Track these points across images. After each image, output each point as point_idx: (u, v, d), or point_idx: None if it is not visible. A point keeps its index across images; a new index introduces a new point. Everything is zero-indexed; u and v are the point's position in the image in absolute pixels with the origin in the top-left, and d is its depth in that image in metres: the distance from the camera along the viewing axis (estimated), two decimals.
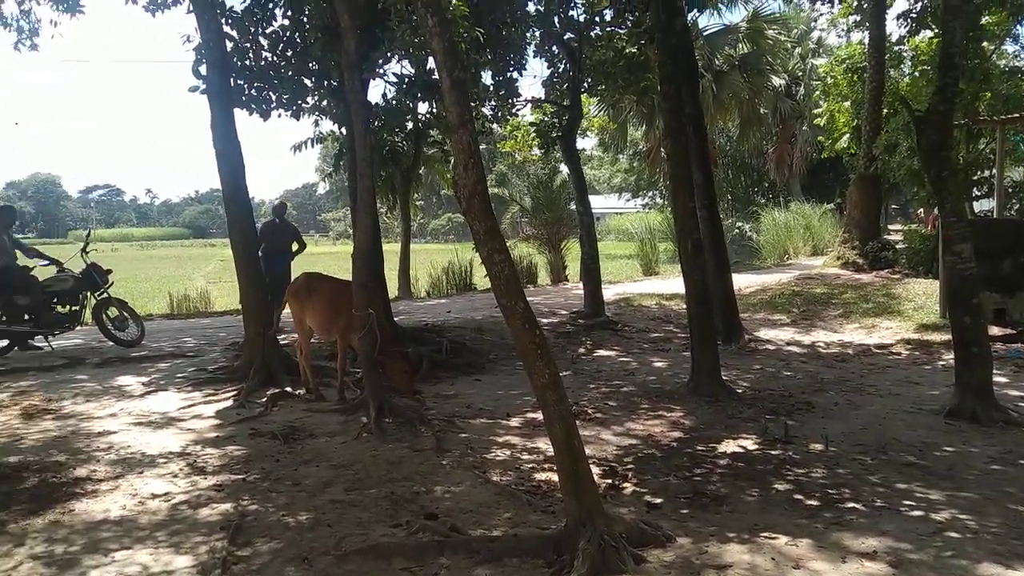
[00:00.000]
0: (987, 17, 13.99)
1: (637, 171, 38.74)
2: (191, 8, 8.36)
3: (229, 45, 8.77)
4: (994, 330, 9.64)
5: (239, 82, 8.98)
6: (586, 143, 39.78)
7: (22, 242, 10.79)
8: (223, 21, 8.64)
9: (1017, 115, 12.23)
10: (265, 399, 7.32)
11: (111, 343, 10.22)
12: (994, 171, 13.95)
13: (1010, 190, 15.86)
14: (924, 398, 7.38)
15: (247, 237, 8.53)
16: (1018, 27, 17.90)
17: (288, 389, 7.70)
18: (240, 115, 8.93)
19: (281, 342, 8.77)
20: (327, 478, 5.20)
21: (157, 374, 8.75)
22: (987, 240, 10.31)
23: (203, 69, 8.52)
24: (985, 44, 14.79)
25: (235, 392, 7.59)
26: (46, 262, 10.44)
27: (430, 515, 4.49)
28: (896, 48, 17.35)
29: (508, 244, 15.29)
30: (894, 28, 16.75)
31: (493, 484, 5.06)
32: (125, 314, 10.50)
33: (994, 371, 7.00)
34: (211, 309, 15.67)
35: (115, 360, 9.41)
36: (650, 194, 39.58)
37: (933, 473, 5.27)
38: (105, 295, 10.43)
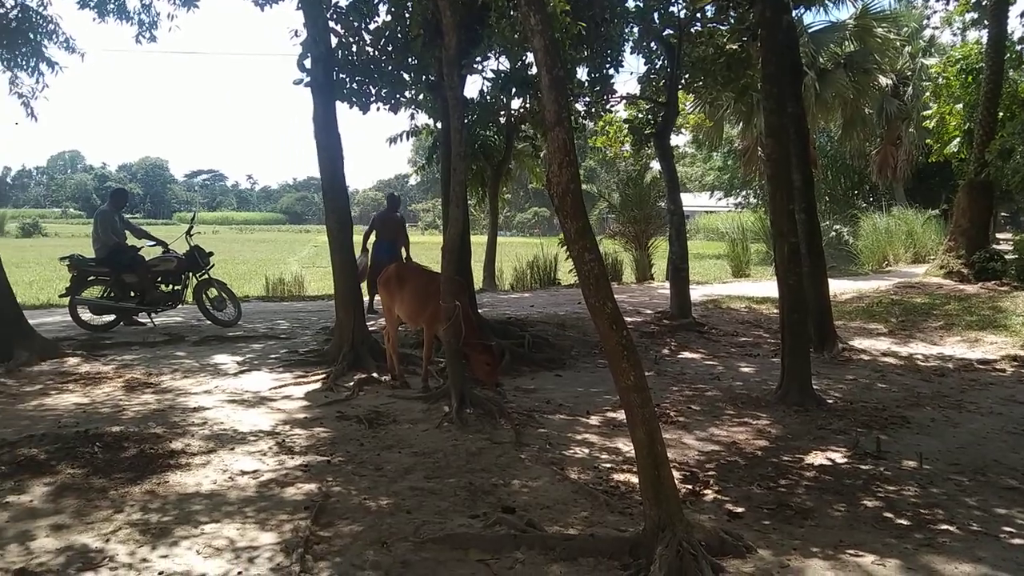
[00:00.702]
0: None
1: (731, 169, 37.87)
2: (299, 4, 8.61)
3: (334, 40, 9.02)
4: None
5: (341, 76, 9.23)
6: (678, 140, 39.13)
7: (132, 223, 11.40)
8: (329, 16, 8.88)
9: None
10: (352, 383, 7.53)
11: (209, 322, 10.70)
12: None
13: None
14: None
15: (343, 225, 8.76)
16: None
17: (375, 375, 7.89)
18: (340, 107, 9.21)
19: (370, 328, 8.98)
20: (408, 464, 5.31)
21: (251, 354, 9.12)
22: None
23: (307, 63, 8.78)
24: None
25: (324, 375, 7.82)
26: (153, 243, 11.02)
27: (507, 508, 4.52)
28: (1017, 48, 16.41)
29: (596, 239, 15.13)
30: (1016, 26, 15.90)
31: (571, 481, 5.06)
32: (224, 295, 10.97)
33: None
34: (304, 293, 16.19)
35: (212, 339, 9.84)
36: (743, 193, 38.66)
37: None
38: (206, 276, 10.92)
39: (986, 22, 16.38)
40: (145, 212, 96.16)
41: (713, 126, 24.13)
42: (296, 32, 8.92)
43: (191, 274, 10.98)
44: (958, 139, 17.90)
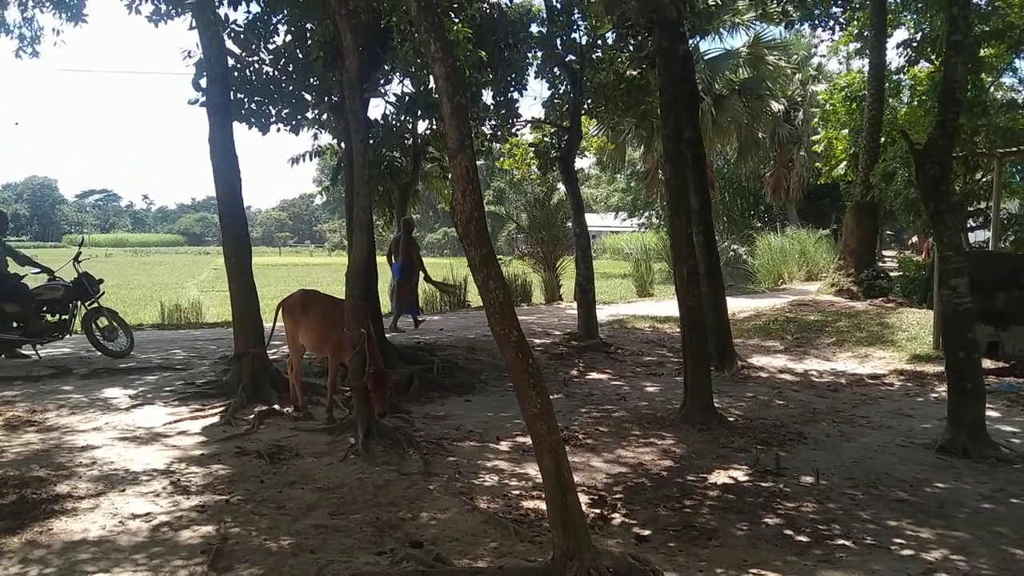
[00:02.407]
0: (986, 50, 14.10)
1: (634, 191, 38.86)
2: (193, 25, 8.34)
3: (230, 60, 8.77)
4: (987, 363, 9.63)
5: (239, 96, 8.97)
6: (584, 162, 39.91)
7: (14, 248, 10.72)
8: (225, 36, 8.64)
9: (1015, 148, 12.28)
10: (252, 416, 7.26)
11: (99, 353, 10.14)
12: (990, 202, 14.01)
13: (1005, 222, 15.91)
14: (916, 431, 7.34)
15: (241, 250, 8.47)
16: (1016, 60, 18.09)
17: (276, 406, 7.63)
18: (239, 126, 8.95)
19: (271, 357, 8.69)
20: (312, 501, 5.13)
21: (144, 387, 8.68)
22: (982, 273, 10.32)
23: (203, 82, 8.51)
24: (983, 76, 14.89)
25: (222, 408, 7.52)
26: (37, 270, 10.38)
27: (415, 543, 4.42)
28: (895, 77, 17.46)
29: (503, 261, 15.23)
30: (894, 57, 16.89)
31: (480, 511, 5.00)
32: (115, 324, 10.43)
33: (987, 405, 6.97)
34: (203, 320, 15.57)
35: (102, 371, 9.32)
36: (646, 214, 39.68)
37: (924, 510, 5.23)
38: (95, 304, 10.36)
39: (867, 52, 17.38)
40: (32, 235, 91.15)
41: (616, 149, 24.71)
42: (189, 53, 8.62)
43: (79, 302, 10.38)
44: (845, 162, 18.87)
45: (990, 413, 7.40)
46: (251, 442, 6.52)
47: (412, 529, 4.69)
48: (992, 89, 17.00)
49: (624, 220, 45.84)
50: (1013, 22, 13.68)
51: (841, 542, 4.64)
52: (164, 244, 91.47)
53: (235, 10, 8.76)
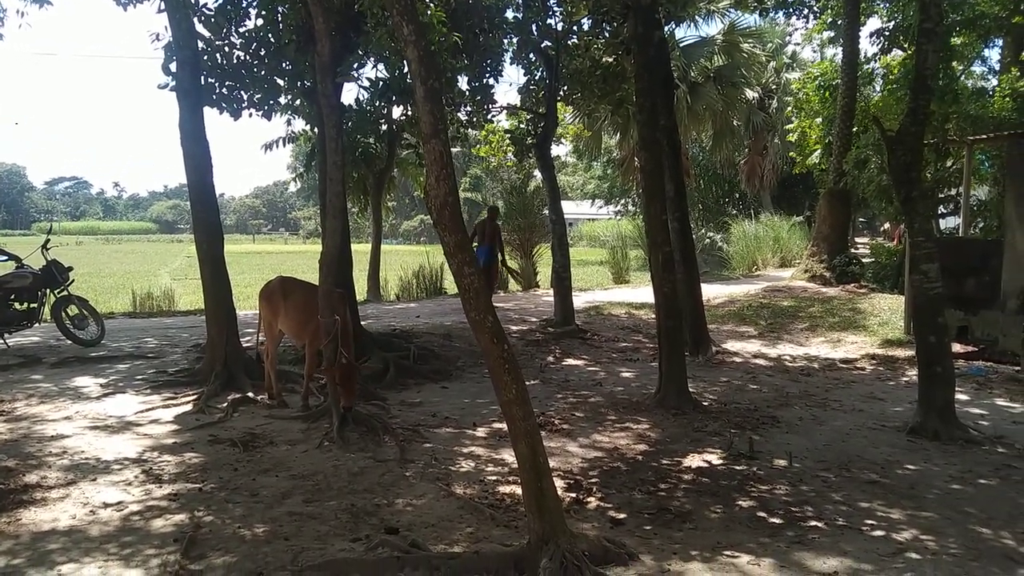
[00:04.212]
0: (957, 38, 14.25)
1: (610, 178, 38.93)
2: (161, 7, 8.18)
3: (200, 44, 8.62)
4: (957, 347, 9.79)
5: (210, 80, 8.83)
6: (560, 150, 39.90)
7: None
8: (195, 19, 8.49)
9: (985, 136, 12.43)
10: (226, 404, 7.19)
11: (69, 342, 9.98)
12: (960, 189, 14.19)
13: (975, 208, 16.12)
14: (887, 414, 7.45)
15: (212, 237, 8.37)
16: (986, 49, 18.33)
17: (250, 394, 7.57)
18: (211, 112, 8.81)
19: (244, 344, 8.61)
20: (286, 488, 5.10)
21: (115, 376, 8.55)
22: (952, 258, 10.46)
23: (173, 66, 8.36)
24: (954, 64, 15.05)
25: (195, 396, 7.44)
26: (4, 258, 10.18)
27: (391, 529, 4.41)
28: (868, 66, 17.59)
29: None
30: (867, 46, 17.00)
31: (456, 497, 4.99)
32: (85, 312, 10.27)
33: (956, 389, 7.08)
34: (175, 308, 15.40)
35: (73, 360, 9.18)
36: (623, 201, 39.79)
37: (895, 491, 5.31)
38: (65, 292, 10.19)
39: (841, 41, 17.49)
40: (0, 223, 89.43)
41: (592, 136, 24.72)
42: (158, 36, 8.46)
43: (48, 290, 10.21)
44: (818, 150, 18.99)
45: (959, 396, 7.54)
46: (224, 430, 6.46)
47: (388, 515, 4.68)
48: (963, 77, 17.19)
49: (600, 207, 45.92)
50: (983, 11, 13.83)
51: (813, 523, 4.69)
52: (136, 232, 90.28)
53: None
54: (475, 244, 13.75)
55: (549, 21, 11.66)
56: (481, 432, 6.65)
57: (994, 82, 17.58)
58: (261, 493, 5.01)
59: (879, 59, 16.66)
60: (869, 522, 4.74)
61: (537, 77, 12.59)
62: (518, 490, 4.80)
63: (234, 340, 8.22)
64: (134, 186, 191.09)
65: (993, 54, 20.48)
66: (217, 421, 6.75)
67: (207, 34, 8.75)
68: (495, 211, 15.04)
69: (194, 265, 8.74)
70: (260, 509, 4.74)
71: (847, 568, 4.08)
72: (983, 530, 4.66)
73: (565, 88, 12.84)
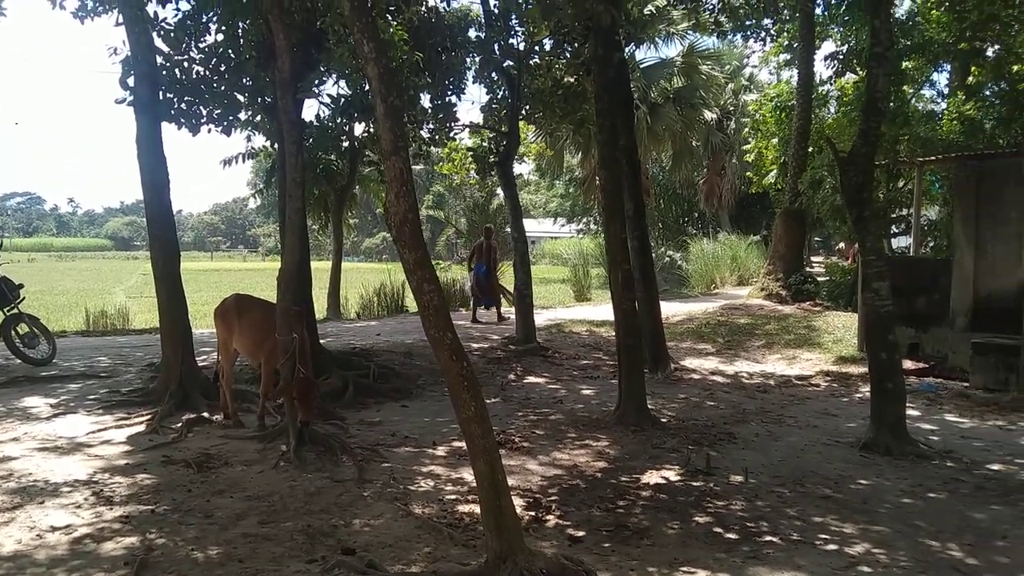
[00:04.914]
0: (907, 62, 14.69)
1: (572, 197, 39.18)
2: (120, 21, 8.08)
3: (159, 58, 8.54)
4: (908, 364, 10.02)
5: (168, 95, 8.74)
6: (523, 168, 40.12)
7: None
8: (154, 34, 8.41)
9: (934, 157, 12.81)
10: (180, 424, 7.06)
11: (19, 361, 9.73)
12: (911, 210, 14.58)
13: (925, 228, 16.58)
14: (841, 430, 7.58)
15: (169, 255, 8.25)
16: (935, 73, 18.91)
17: (205, 414, 7.44)
18: (169, 127, 8.72)
19: (200, 364, 8.48)
20: (241, 510, 5.02)
21: (67, 395, 8.35)
22: (903, 277, 10.74)
23: (131, 81, 8.26)
24: (905, 88, 15.51)
25: (149, 416, 7.30)
26: None
27: (347, 550, 4.36)
28: (823, 88, 18.03)
29: (443, 266, 15.36)
30: (821, 69, 17.43)
31: (415, 517, 4.96)
32: (36, 331, 10.03)
33: (907, 404, 7.24)
34: (130, 326, 15.10)
35: (22, 379, 8.95)
36: (584, 220, 40.06)
37: (848, 506, 5.40)
38: (15, 310, 9.95)
39: (796, 64, 17.91)
40: None
41: (554, 155, 24.88)
42: (115, 50, 8.36)
43: None
44: (775, 171, 19.38)
45: (911, 412, 7.71)
46: (178, 451, 6.34)
47: (345, 536, 4.63)
48: (913, 101, 17.70)
49: (563, 226, 46.18)
50: (932, 37, 14.29)
51: (768, 538, 4.75)
52: (90, 249, 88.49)
53: (163, 7, 8.52)
54: (474, 261, 15.70)
55: (511, 41, 11.77)
56: (441, 451, 6.62)
57: (943, 105, 18.14)
58: (215, 514, 4.93)
59: (833, 82, 17.07)
60: (823, 536, 4.82)
61: (499, 96, 12.68)
62: (477, 509, 4.79)
63: (190, 359, 8.09)
64: (89, 202, 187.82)
65: (942, 79, 21.13)
66: (171, 441, 6.62)
67: (166, 49, 8.67)
68: (490, 231, 16.30)
69: (150, 283, 8.59)
70: (214, 531, 4.66)
71: None
72: (932, 543, 4.76)
73: (527, 107, 12.95)
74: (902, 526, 5.02)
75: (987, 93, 14.99)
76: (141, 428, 7.05)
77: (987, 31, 13.21)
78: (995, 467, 6.43)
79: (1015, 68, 12.67)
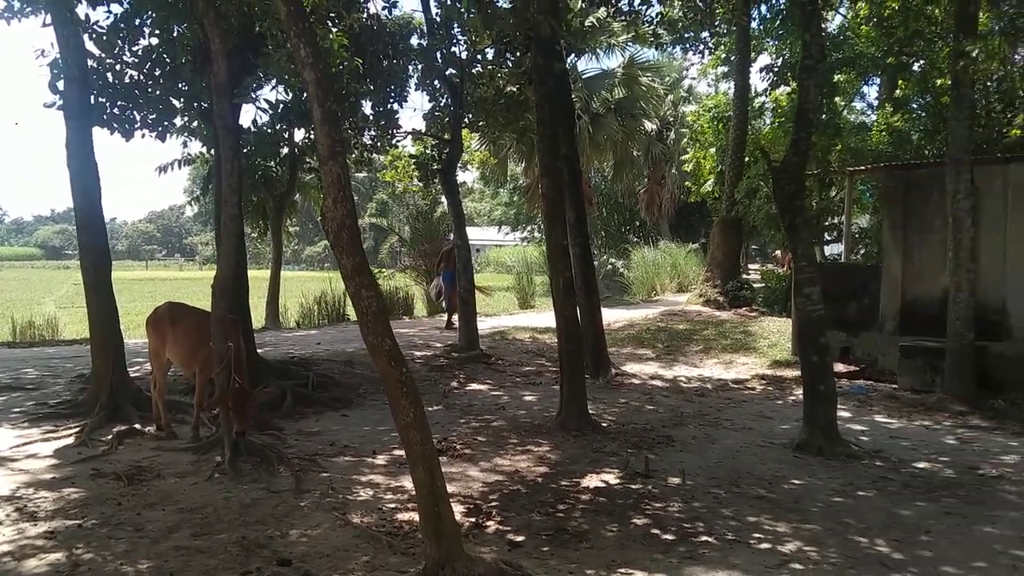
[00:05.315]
0: (839, 76, 15.17)
1: (516, 205, 39.36)
2: (47, 21, 7.84)
3: (91, 61, 8.31)
4: (840, 367, 10.32)
5: (100, 99, 8.51)
6: (467, 176, 40.21)
7: None
8: (87, 36, 8.18)
9: (863, 167, 13.24)
10: (111, 437, 6.85)
11: None
12: (843, 218, 15.05)
13: (857, 235, 17.10)
14: (775, 432, 7.76)
15: (100, 263, 8.02)
16: (865, 86, 19.57)
17: (137, 426, 7.23)
18: (101, 132, 8.49)
19: (132, 375, 8.24)
20: (173, 522, 4.90)
21: None
22: (835, 283, 11.08)
23: (61, 84, 8.02)
24: (837, 100, 16.01)
25: (78, 429, 7.07)
26: None
27: (283, 561, 4.30)
28: (758, 100, 18.49)
29: (386, 274, 15.25)
30: (757, 81, 17.88)
31: (353, 526, 4.91)
32: None
33: (839, 406, 7.46)
34: (59, 337, 14.60)
35: None
36: (528, 228, 40.25)
37: (781, 506, 5.53)
38: None
39: (733, 76, 18.33)
40: None
41: (498, 163, 25.00)
42: (43, 52, 8.11)
43: None
44: (712, 180, 19.76)
45: (842, 413, 7.95)
46: (109, 463, 6.16)
47: (281, 547, 4.55)
48: (845, 112, 18.28)
49: (507, 234, 46.34)
50: (862, 51, 14.79)
51: (704, 539, 4.84)
52: (19, 258, 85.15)
53: (94, 9, 8.30)
54: (441, 268, 15.69)
55: (454, 49, 11.80)
56: (381, 460, 6.57)
57: (873, 117, 18.78)
58: (146, 528, 4.80)
59: (768, 94, 17.53)
60: (756, 536, 4.93)
61: (442, 104, 12.69)
62: (417, 517, 4.77)
63: (121, 369, 7.86)
64: (17, 209, 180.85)
65: (871, 92, 21.86)
66: (101, 454, 6.42)
67: (98, 52, 8.44)
68: (450, 241, 16.20)
69: (81, 292, 8.33)
70: (145, 544, 4.54)
71: None
72: (861, 539, 4.92)
73: (470, 115, 12.98)
74: (833, 524, 5.17)
75: (914, 106, 15.55)
76: (69, 441, 6.82)
77: (912, 47, 13.77)
78: (921, 465, 6.68)
79: (939, 82, 13.16)
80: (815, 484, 6.10)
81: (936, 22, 12.87)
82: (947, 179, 9.28)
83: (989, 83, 13.13)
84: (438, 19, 11.43)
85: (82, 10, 8.14)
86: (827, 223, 18.05)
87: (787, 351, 11.72)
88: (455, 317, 15.13)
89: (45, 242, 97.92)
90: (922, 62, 14.23)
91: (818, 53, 7.70)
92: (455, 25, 11.47)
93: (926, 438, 7.71)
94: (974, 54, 8.34)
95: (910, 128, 15.23)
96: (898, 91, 15.46)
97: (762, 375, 10.75)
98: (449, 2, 10.05)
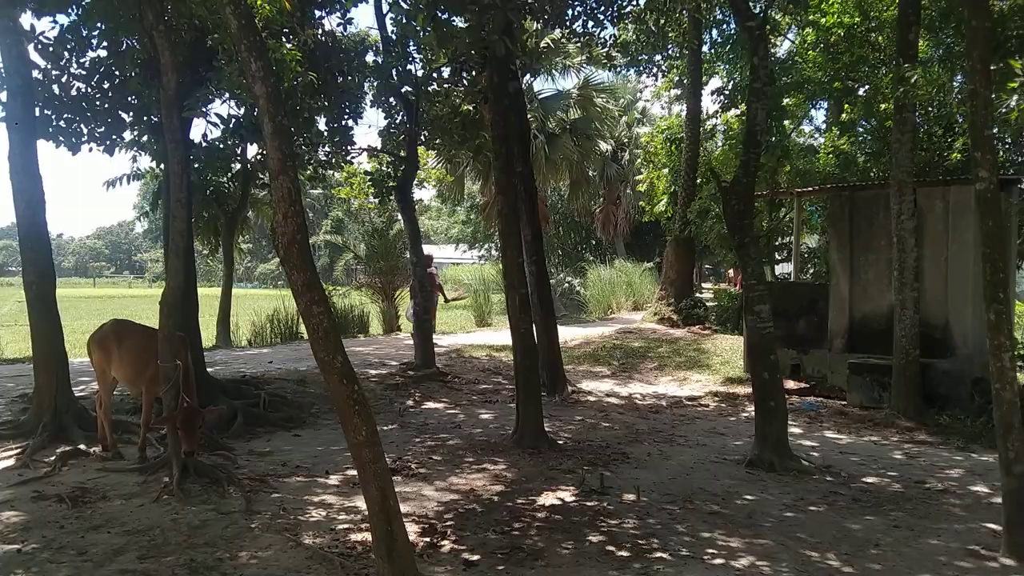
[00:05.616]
0: (787, 99, 15.56)
1: (474, 223, 39.39)
2: None
3: (37, 72, 8.12)
4: (790, 384, 10.50)
5: (46, 112, 8.32)
6: (424, 194, 40.10)
7: None
8: (32, 47, 7.99)
9: (811, 188, 13.57)
10: (54, 458, 6.63)
11: None
12: (792, 238, 15.37)
13: (805, 255, 17.48)
14: (728, 448, 7.85)
15: (44, 279, 7.78)
16: (813, 110, 20.09)
17: (82, 447, 7.02)
18: (46, 144, 8.30)
19: (78, 394, 8.00)
20: (119, 545, 4.75)
21: None
22: (785, 301, 11.30)
23: (3, 95, 7.83)
24: (786, 123, 16.40)
25: (19, 450, 6.83)
26: None
27: None
28: (710, 122, 18.84)
29: (341, 291, 15.05)
30: (709, 103, 18.18)
31: (305, 547, 4.82)
32: None
33: (790, 422, 7.58)
34: (1, 356, 14.12)
35: None
36: (486, 246, 40.30)
37: (734, 521, 5.59)
38: None
39: (685, 98, 18.66)
40: None
41: (455, 181, 25.05)
42: None
43: None
44: (665, 200, 20.04)
45: (793, 429, 8.08)
46: (51, 485, 5.96)
47: (230, 569, 4.45)
48: (793, 135, 18.72)
49: (464, 252, 46.28)
50: (809, 76, 15.19)
51: (659, 555, 4.86)
52: None
53: (39, 19, 8.13)
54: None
55: (409, 67, 11.79)
56: (334, 480, 6.47)
57: (821, 140, 19.26)
58: (90, 551, 4.65)
59: (720, 116, 17.90)
60: (710, 551, 4.96)
61: (397, 121, 12.66)
62: (370, 537, 4.70)
63: (65, 388, 7.62)
64: None
65: (819, 115, 22.45)
66: (43, 476, 6.21)
67: (43, 63, 8.26)
68: (430, 258, 16.14)
69: (25, 311, 8.08)
70: (88, 568, 4.39)
71: None
72: (812, 553, 4.98)
73: (426, 133, 12.97)
74: (785, 538, 5.23)
75: (859, 129, 16.00)
76: (10, 462, 6.58)
77: (857, 72, 14.20)
78: (870, 480, 6.81)
79: (883, 106, 13.57)
80: (767, 499, 6.17)
81: (880, 49, 13.31)
82: (891, 200, 9.56)
83: (931, 108, 13.61)
84: (394, 36, 11.44)
85: (27, 20, 7.99)
86: (777, 243, 18.42)
87: (739, 368, 11.88)
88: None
89: None
90: (867, 87, 14.67)
91: (765, 76, 7.89)
92: (411, 43, 11.48)
93: (874, 453, 7.87)
94: (913, 80, 8.62)
95: (856, 151, 15.66)
96: (844, 115, 15.89)
97: (715, 392, 10.88)
98: (404, 20, 10.06)
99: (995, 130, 6.43)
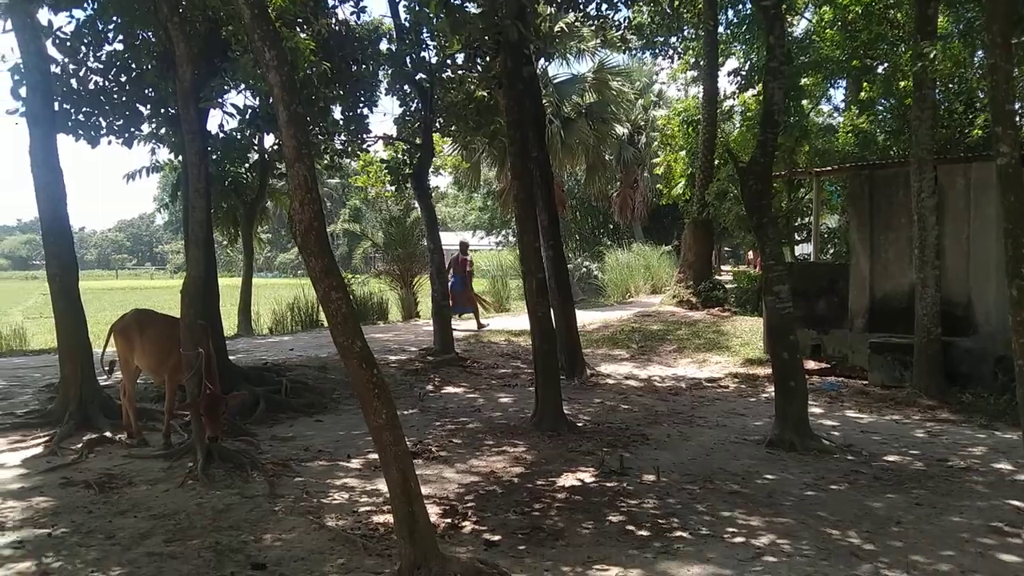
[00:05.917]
0: (805, 79, 15.39)
1: (491, 210, 39.35)
2: (7, 27, 7.73)
3: (55, 67, 8.21)
4: (811, 364, 10.45)
5: (65, 106, 8.41)
6: (441, 181, 40.10)
7: None
8: (50, 42, 8.07)
9: (830, 168, 13.44)
10: (81, 445, 6.76)
11: None
12: (812, 218, 15.25)
13: (826, 235, 17.34)
14: (748, 429, 7.84)
15: (66, 271, 7.90)
16: (832, 89, 19.86)
17: (108, 434, 7.15)
18: (67, 139, 8.38)
19: (102, 383, 8.13)
20: (145, 529, 4.84)
21: None
22: (805, 282, 11.23)
23: (23, 91, 7.91)
24: (804, 103, 16.24)
25: (47, 438, 6.96)
26: None
27: (257, 565, 4.27)
28: (727, 103, 18.69)
29: (360, 279, 15.17)
30: (726, 84, 18.05)
31: (328, 529, 4.89)
32: None
33: (810, 402, 7.56)
34: (27, 347, 14.37)
35: None
36: (503, 232, 40.27)
37: (754, 500, 5.59)
38: None
39: (702, 80, 18.53)
40: None
41: (471, 168, 25.02)
42: (3, 57, 8.00)
43: None
44: (683, 183, 19.95)
45: (814, 409, 8.05)
46: (79, 472, 6.08)
47: (254, 552, 4.52)
48: (812, 114, 18.53)
49: (482, 238, 46.29)
50: (827, 55, 15.02)
51: (679, 534, 4.88)
52: None
53: (56, 15, 8.20)
54: (450, 274, 15.55)
55: (423, 54, 11.78)
56: (355, 463, 6.54)
57: (839, 119, 19.04)
58: (118, 535, 4.74)
59: (737, 97, 17.75)
60: (730, 530, 4.97)
61: (412, 108, 12.66)
62: (392, 519, 4.76)
63: (90, 378, 7.75)
64: None
65: (838, 94, 22.17)
66: (71, 463, 6.33)
67: (62, 57, 8.34)
68: (466, 245, 17.88)
69: (50, 303, 8.22)
70: (116, 551, 4.48)
71: (710, 574, 4.26)
72: (833, 531, 4.98)
73: (440, 120, 12.97)
74: (805, 517, 5.23)
75: (879, 107, 15.81)
76: (38, 450, 6.73)
77: (876, 50, 14.00)
78: (891, 458, 6.78)
79: (902, 84, 13.39)
80: (788, 478, 6.17)
81: (899, 26, 13.11)
82: (912, 178, 9.46)
83: (951, 85, 13.41)
84: (407, 24, 11.43)
85: (44, 15, 8.06)
86: (797, 223, 18.30)
87: (759, 349, 11.84)
88: (482, 311, 16.60)
89: (12, 252, 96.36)
90: (886, 65, 14.47)
91: (782, 55, 7.81)
92: (424, 30, 11.47)
93: (896, 432, 7.83)
94: (932, 56, 8.51)
95: (875, 129, 15.49)
96: (863, 93, 15.70)
97: (735, 373, 10.85)
98: (417, 7, 10.05)
99: (1016, 105, 6.35)
